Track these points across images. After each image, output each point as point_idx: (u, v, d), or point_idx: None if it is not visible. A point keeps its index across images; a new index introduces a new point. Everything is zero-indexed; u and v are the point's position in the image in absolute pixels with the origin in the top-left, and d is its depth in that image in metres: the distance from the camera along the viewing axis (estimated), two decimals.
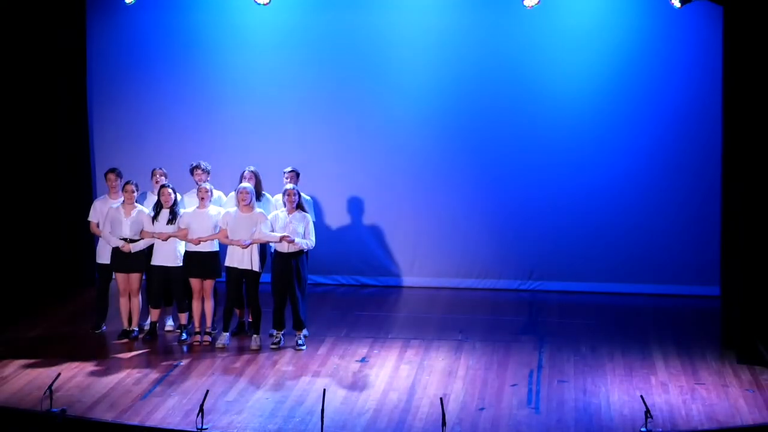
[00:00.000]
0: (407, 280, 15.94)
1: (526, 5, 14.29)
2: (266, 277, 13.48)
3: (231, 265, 13.14)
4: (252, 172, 13.50)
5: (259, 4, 14.55)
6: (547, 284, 15.70)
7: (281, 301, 13.18)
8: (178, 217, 13.25)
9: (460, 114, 15.54)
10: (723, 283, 13.27)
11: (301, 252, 13.10)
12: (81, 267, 15.44)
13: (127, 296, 13.47)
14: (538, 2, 14.22)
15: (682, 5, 13.55)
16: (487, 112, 15.49)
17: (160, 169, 13.79)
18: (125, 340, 13.41)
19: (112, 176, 13.67)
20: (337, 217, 15.83)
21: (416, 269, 15.93)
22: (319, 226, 15.77)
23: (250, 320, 13.51)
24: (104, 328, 13.72)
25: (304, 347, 13.15)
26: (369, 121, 15.68)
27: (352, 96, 15.65)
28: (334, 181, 15.73)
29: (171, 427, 10.87)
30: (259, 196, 13.45)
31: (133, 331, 13.51)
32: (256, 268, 13.14)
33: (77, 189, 15.50)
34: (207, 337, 13.33)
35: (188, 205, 13.54)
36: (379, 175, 15.75)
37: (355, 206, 15.85)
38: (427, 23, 15.40)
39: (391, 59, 15.53)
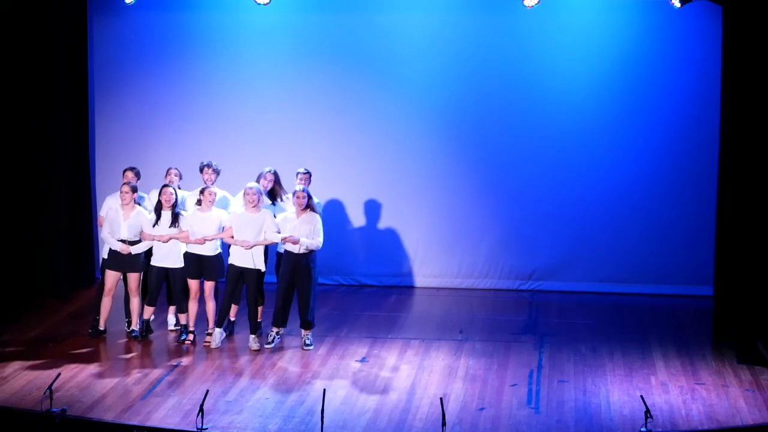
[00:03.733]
0: (407, 280, 15.95)
1: (526, 5, 14.29)
2: (270, 278, 13.49)
3: (233, 263, 13.13)
4: (272, 173, 13.43)
5: (259, 4, 14.54)
6: (547, 284, 15.71)
7: (286, 299, 13.15)
8: (181, 218, 13.22)
9: (460, 115, 15.54)
10: (717, 282, 13.29)
11: (312, 252, 13.07)
12: (81, 267, 15.44)
13: (111, 296, 13.41)
14: (538, 2, 14.21)
15: (682, 5, 13.55)
16: (487, 113, 15.49)
17: (175, 168, 13.67)
18: (100, 337, 13.41)
19: (130, 174, 13.53)
20: (337, 218, 15.82)
21: (416, 269, 15.93)
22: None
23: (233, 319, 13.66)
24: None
25: (311, 347, 13.14)
26: (369, 122, 15.68)
27: (352, 97, 15.65)
28: (334, 182, 15.72)
29: (171, 427, 10.88)
30: (275, 198, 13.40)
31: (133, 331, 13.51)
32: (260, 267, 13.13)
33: (78, 189, 15.49)
34: (208, 338, 13.33)
35: (189, 205, 13.50)
36: (379, 175, 15.75)
37: (356, 206, 15.84)
38: (428, 24, 15.41)
39: (392, 60, 15.53)
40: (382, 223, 15.86)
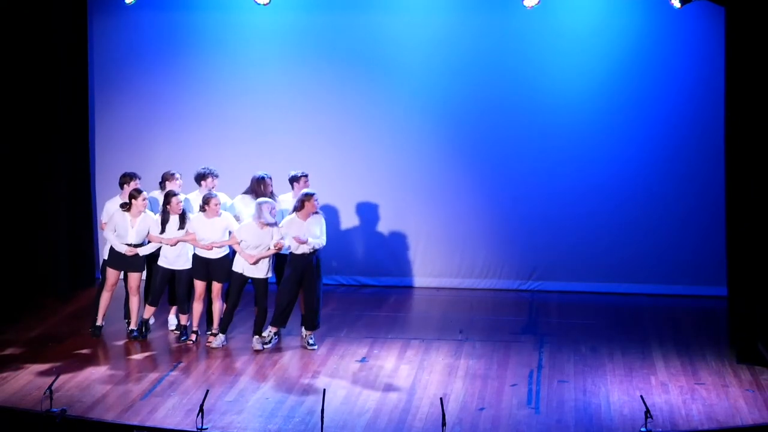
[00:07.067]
0: (407, 280, 15.95)
1: (526, 5, 14.29)
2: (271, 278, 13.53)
3: (239, 271, 13.17)
4: (269, 177, 13.60)
5: (259, 4, 14.54)
6: (547, 284, 15.70)
7: (291, 300, 13.17)
8: (187, 221, 13.24)
9: (460, 115, 15.54)
10: (730, 283, 13.25)
11: (317, 251, 13.11)
12: (81, 267, 15.43)
13: (111, 292, 13.42)
14: (538, 2, 14.21)
15: (682, 5, 13.55)
16: (487, 113, 15.49)
17: (178, 174, 13.70)
18: (101, 336, 13.43)
19: (133, 183, 13.49)
20: (337, 217, 15.83)
21: (416, 269, 15.92)
22: None
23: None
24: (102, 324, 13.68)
25: (315, 346, 13.15)
26: (369, 122, 15.68)
27: (352, 96, 15.65)
28: (335, 182, 15.71)
29: (171, 427, 10.88)
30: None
31: (133, 331, 13.50)
32: (269, 274, 13.20)
33: (78, 189, 15.49)
34: (211, 338, 13.32)
35: (192, 205, 13.52)
36: (379, 175, 15.75)
37: (355, 206, 15.84)
38: (427, 23, 15.40)
39: (392, 60, 15.52)
40: (382, 223, 15.86)
